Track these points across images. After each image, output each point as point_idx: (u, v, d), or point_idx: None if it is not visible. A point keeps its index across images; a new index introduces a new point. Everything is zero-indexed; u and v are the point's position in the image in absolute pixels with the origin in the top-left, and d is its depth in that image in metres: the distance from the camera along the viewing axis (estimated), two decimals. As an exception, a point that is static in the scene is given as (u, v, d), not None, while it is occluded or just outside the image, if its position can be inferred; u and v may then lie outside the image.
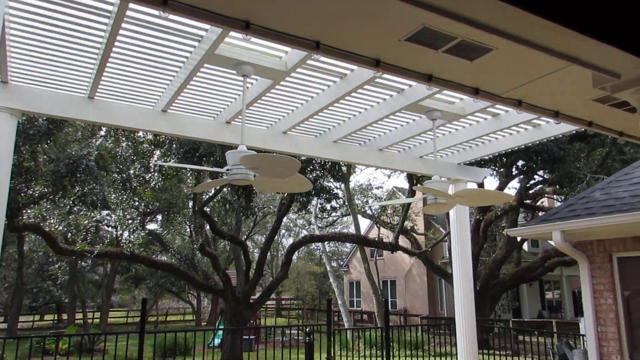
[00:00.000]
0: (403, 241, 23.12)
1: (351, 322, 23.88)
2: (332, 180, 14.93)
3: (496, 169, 18.35)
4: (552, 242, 6.39)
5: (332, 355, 7.00)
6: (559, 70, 2.32)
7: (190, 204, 14.90)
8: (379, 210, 26.80)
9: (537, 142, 6.17)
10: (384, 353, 7.54)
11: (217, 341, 17.90)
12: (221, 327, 16.80)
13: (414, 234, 24.18)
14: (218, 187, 13.95)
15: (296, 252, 38.66)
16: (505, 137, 6.24)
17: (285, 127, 5.66)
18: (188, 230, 24.01)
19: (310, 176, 12.25)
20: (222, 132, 5.37)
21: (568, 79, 2.41)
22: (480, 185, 13.83)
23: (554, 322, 19.65)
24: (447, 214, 7.07)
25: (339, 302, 23.03)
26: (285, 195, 13.67)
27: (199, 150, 10.78)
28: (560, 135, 5.61)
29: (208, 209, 14.48)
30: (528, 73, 2.52)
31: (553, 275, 30.30)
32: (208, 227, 15.34)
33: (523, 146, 6.29)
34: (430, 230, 30.44)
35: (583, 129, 5.93)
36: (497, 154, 6.99)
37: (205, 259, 21.80)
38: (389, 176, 36.43)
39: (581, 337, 6.84)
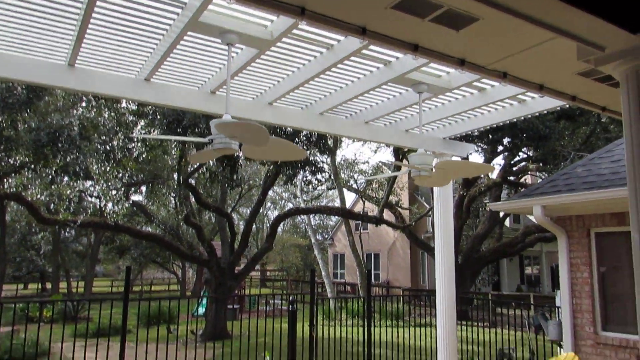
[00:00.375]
0: (388, 215, 23.36)
1: (334, 293, 24.25)
2: (318, 154, 14.91)
3: (482, 145, 18.49)
4: (532, 218, 6.50)
5: (315, 324, 7.11)
6: (544, 42, 2.31)
7: (175, 175, 14.81)
8: (364, 184, 26.95)
9: (522, 118, 6.21)
10: (366, 323, 7.68)
11: (201, 310, 18.07)
12: (206, 295, 16.94)
13: (399, 208, 24.41)
14: (203, 159, 13.85)
15: (281, 225, 38.87)
16: (491, 112, 6.26)
17: (271, 98, 5.60)
18: (173, 202, 23.94)
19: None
20: (207, 102, 5.30)
21: (553, 51, 2.41)
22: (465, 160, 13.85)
23: (532, 296, 20.16)
24: (432, 190, 7.14)
25: (323, 274, 23.32)
26: (271, 168, 13.65)
27: (183, 121, 10.66)
28: (545, 112, 5.65)
29: (193, 181, 14.40)
30: (514, 44, 2.51)
31: (533, 251, 30.96)
32: (193, 198, 15.30)
33: (508, 122, 6.33)
34: (414, 205, 30.76)
35: (567, 106, 5.98)
36: (483, 129, 7.02)
37: (190, 230, 21.80)
38: (375, 151, 36.53)
39: (556, 309, 7.04)
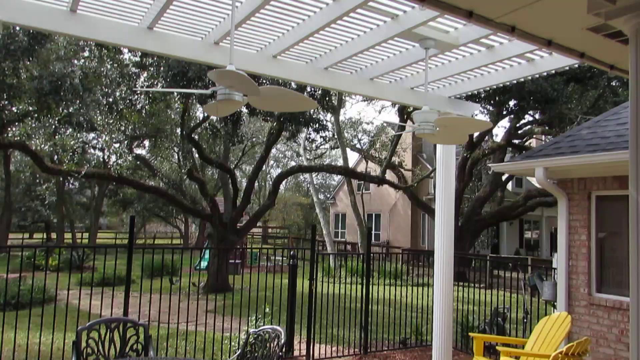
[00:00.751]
0: (390, 176, 23.42)
1: (335, 251, 24.59)
2: (321, 112, 14.78)
3: (487, 107, 18.31)
4: (534, 182, 6.51)
5: (315, 279, 7.26)
6: (537, 2, 2.24)
7: (178, 130, 14.77)
8: (368, 144, 26.87)
9: (530, 77, 6.12)
10: (364, 280, 7.83)
11: (203, 264, 18.42)
12: (209, 247, 17.22)
13: (401, 170, 24.45)
14: (205, 114, 13.79)
15: (284, 183, 39.07)
16: (499, 70, 6.16)
17: (275, 51, 5.52)
18: (176, 156, 24.00)
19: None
20: (210, 53, 5.23)
21: (563, 5, 2.35)
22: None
23: (530, 259, 20.40)
24: (435, 151, 7.12)
25: (324, 232, 23.59)
26: (274, 125, 13.57)
27: (188, 73, 10.53)
28: (553, 72, 5.56)
29: (196, 136, 14.37)
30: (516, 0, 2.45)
31: (533, 215, 31.16)
32: (196, 154, 15.31)
33: (516, 82, 6.24)
34: (417, 166, 30.77)
35: (576, 66, 5.87)
36: (489, 88, 6.94)
37: (193, 186, 21.95)
38: (379, 111, 36.20)
39: (553, 270, 7.15)
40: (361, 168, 30.76)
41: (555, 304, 6.82)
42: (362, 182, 30.45)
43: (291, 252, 7.33)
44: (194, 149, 14.70)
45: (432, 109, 5.40)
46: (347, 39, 5.47)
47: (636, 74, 2.26)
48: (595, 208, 6.14)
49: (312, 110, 13.36)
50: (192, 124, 14.03)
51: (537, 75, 6.00)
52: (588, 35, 2.66)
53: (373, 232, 33.74)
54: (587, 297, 6.16)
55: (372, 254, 7.74)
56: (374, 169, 25.80)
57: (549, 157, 6.07)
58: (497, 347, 5.43)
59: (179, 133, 14.16)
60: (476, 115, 7.27)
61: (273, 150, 35.90)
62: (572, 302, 6.31)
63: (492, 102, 15.82)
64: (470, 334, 6.07)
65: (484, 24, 2.74)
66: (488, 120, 20.07)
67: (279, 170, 41.34)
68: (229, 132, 13.31)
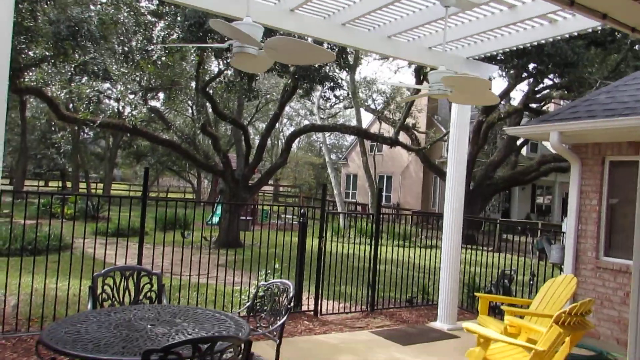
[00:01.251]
0: (404, 138, 23.28)
1: (345, 211, 24.79)
2: (337, 69, 14.59)
3: (506, 70, 17.92)
4: (549, 147, 6.46)
5: (325, 237, 7.38)
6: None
7: (193, 83, 14.72)
8: (382, 105, 26.60)
9: (551, 39, 5.98)
10: (372, 241, 7.93)
11: (215, 219, 18.75)
12: (221, 202, 17.47)
13: (415, 132, 24.25)
14: (221, 67, 13.69)
15: (296, 142, 39.05)
16: (519, 31, 6.02)
17: (292, 4, 5.44)
18: (190, 110, 24.00)
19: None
20: (228, 4, 5.17)
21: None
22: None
23: (540, 224, 20.39)
24: (450, 114, 7.04)
25: (335, 192, 23.75)
26: (289, 82, 13.46)
27: (204, 24, 10.39)
28: (576, 34, 5.42)
29: (210, 90, 14.35)
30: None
31: (546, 181, 30.97)
32: (210, 108, 15.31)
33: (537, 43, 6.10)
34: (432, 129, 30.50)
35: (599, 29, 5.70)
36: (509, 49, 6.80)
37: (206, 141, 22.05)
38: (395, 72, 35.56)
39: (562, 234, 7.18)
40: (374, 129, 30.59)
41: (562, 267, 6.89)
42: (375, 143, 30.32)
43: (301, 211, 7.42)
44: (208, 104, 14.70)
45: (448, 69, 5.32)
46: None
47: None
48: (609, 173, 6.10)
49: (327, 68, 13.21)
50: (206, 78, 13.96)
51: (559, 37, 5.86)
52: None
53: (384, 193, 33.82)
54: (594, 261, 6.21)
55: (381, 215, 7.82)
56: (388, 130, 25.65)
57: (565, 122, 6.00)
58: (501, 307, 5.55)
59: (194, 87, 14.11)
60: (494, 78, 7.14)
61: (287, 109, 35.71)
62: (579, 265, 6.38)
63: (510, 64, 15.47)
64: (476, 294, 6.20)
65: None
66: (507, 83, 19.71)
67: (292, 129, 41.26)
68: (244, 87, 13.25)
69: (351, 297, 8.33)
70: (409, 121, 25.51)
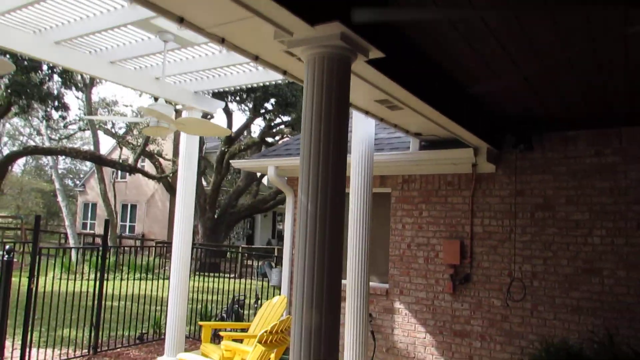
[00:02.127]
0: (149, 165, 22.47)
1: (79, 245, 22.43)
2: (64, 88, 13.25)
3: (246, 105, 19.15)
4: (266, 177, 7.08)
5: (37, 275, 6.52)
6: (249, 17, 2.52)
7: None
8: (125, 129, 25.24)
9: (263, 83, 6.59)
10: (97, 275, 7.39)
11: None
12: None
13: (162, 158, 23.72)
14: None
15: (19, 165, 33.69)
16: (239, 73, 6.48)
17: (-12, 11, 4.77)
18: None
19: (37, 78, 10.68)
20: None
21: (263, 28, 2.65)
22: (204, 116, 14.09)
23: (276, 249, 22.04)
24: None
25: (67, 223, 21.30)
26: (1, 94, 11.57)
27: None
28: (280, 81, 6.13)
29: None
30: (226, 14, 2.66)
31: (284, 208, 33.88)
32: None
33: (256, 84, 6.67)
34: (178, 156, 30.25)
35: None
36: (232, 88, 7.27)
37: None
38: (140, 94, 34.30)
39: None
40: (116, 154, 28.69)
41: (281, 288, 7.57)
42: (114, 169, 28.45)
43: (6, 247, 6.43)
44: None
45: (175, 102, 5.40)
46: (81, 15, 5.06)
47: (310, 93, 2.69)
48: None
49: (53, 84, 11.90)
50: None
51: (274, 82, 6.55)
52: (287, 56, 3.04)
53: (128, 223, 31.96)
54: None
55: (117, 247, 7.35)
56: (128, 157, 24.41)
57: (280, 157, 6.72)
58: (219, 333, 5.77)
59: None
60: (214, 113, 7.50)
61: (8, 125, 30.76)
62: (293, 286, 7.11)
63: (249, 100, 16.63)
64: (199, 322, 6.30)
65: (196, 31, 2.89)
66: (246, 117, 21.04)
67: (15, 149, 35.56)
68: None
69: (69, 341, 7.52)
70: (154, 148, 24.85)
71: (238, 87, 7.72)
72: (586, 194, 5.67)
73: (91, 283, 9.38)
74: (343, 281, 5.31)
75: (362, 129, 5.48)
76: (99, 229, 32.69)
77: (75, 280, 9.75)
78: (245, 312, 8.80)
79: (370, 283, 6.56)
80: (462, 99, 5.13)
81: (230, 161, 7.54)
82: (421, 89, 4.09)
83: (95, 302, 7.31)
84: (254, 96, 15.47)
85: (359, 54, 2.87)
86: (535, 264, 5.83)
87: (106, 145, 28.88)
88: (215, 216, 21.71)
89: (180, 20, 2.74)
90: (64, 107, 11.79)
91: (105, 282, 7.44)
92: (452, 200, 6.38)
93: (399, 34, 3.50)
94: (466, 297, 6.15)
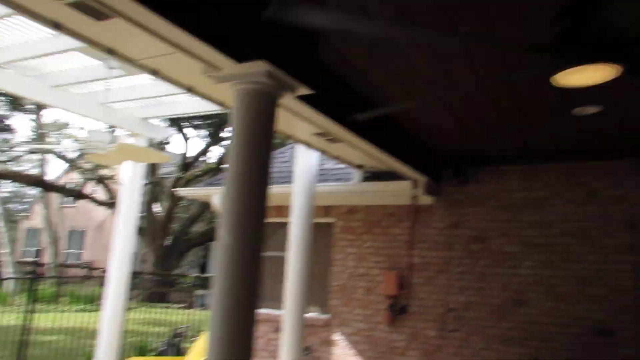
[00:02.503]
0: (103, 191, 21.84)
1: (20, 273, 21.38)
2: (15, 109, 12.85)
3: (202, 130, 19.13)
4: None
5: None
6: (177, 52, 2.61)
7: None
8: (78, 153, 24.52)
9: (217, 111, 6.64)
10: (26, 307, 7.09)
11: None
12: None
13: (112, 183, 23.10)
14: None
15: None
16: (188, 101, 6.53)
17: None
18: None
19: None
20: None
21: (193, 61, 2.74)
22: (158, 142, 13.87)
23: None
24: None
25: (6, 251, 20.31)
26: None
27: None
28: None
29: None
30: (155, 49, 2.76)
31: (240, 237, 33.33)
32: None
33: (204, 112, 6.72)
34: (131, 181, 29.50)
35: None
36: (182, 115, 7.30)
37: None
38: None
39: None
40: (68, 178, 27.75)
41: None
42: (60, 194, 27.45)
43: None
44: None
45: (124, 129, 5.35)
46: (25, 39, 5.01)
47: (237, 126, 2.79)
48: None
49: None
50: None
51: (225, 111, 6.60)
52: (222, 88, 3.14)
53: (76, 251, 30.79)
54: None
55: (55, 277, 7.09)
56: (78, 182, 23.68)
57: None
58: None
59: None
60: (167, 138, 7.51)
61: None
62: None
63: (200, 125, 16.60)
64: (128, 359, 6.14)
65: (128, 62, 2.96)
66: (208, 140, 20.95)
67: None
68: None
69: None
70: (108, 173, 24.21)
71: (190, 114, 7.73)
72: (516, 227, 5.96)
73: (28, 315, 8.95)
74: (280, 312, 5.35)
75: (304, 160, 5.62)
76: (46, 257, 31.28)
77: (8, 312, 9.22)
78: (189, 345, 8.58)
79: (311, 314, 6.59)
80: (400, 135, 5.36)
81: (175, 190, 7.48)
82: (356, 124, 4.26)
83: (23, 337, 6.95)
84: (210, 122, 15.47)
85: (287, 91, 3.01)
86: (469, 295, 6.04)
87: (59, 168, 27.89)
88: (167, 243, 21.24)
89: (110, 52, 2.81)
90: (7, 130, 11.40)
91: (38, 314, 7.12)
92: (393, 231, 6.55)
93: (330, 70, 3.67)
94: (404, 328, 6.27)
